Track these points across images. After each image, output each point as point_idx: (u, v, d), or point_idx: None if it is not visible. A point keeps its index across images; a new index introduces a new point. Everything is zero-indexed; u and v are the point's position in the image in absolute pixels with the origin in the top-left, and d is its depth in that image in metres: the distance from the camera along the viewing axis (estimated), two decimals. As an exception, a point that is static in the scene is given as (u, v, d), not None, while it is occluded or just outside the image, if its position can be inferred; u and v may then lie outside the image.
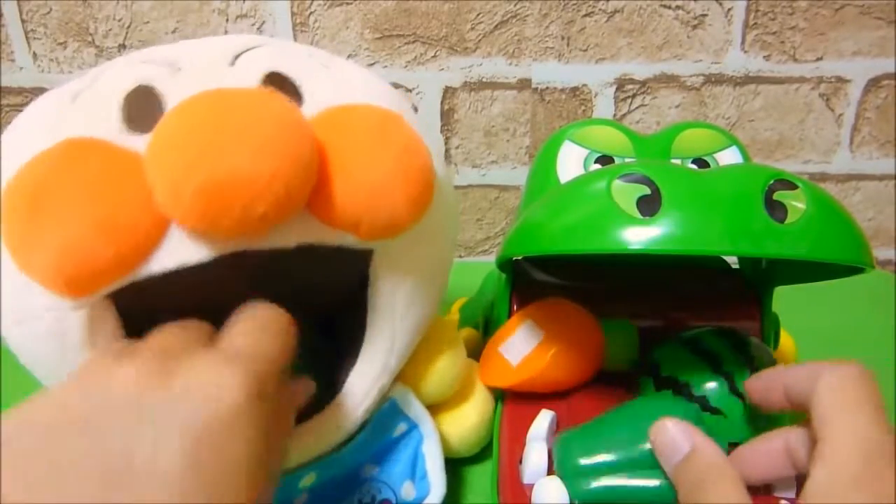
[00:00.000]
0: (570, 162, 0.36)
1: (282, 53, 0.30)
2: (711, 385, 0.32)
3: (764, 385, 0.28)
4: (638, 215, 0.26)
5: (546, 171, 0.37)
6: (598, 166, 0.36)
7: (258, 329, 0.23)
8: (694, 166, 0.34)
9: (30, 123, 0.28)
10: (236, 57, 0.29)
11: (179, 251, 0.25)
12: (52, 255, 0.23)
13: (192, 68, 0.28)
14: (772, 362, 0.32)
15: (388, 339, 0.31)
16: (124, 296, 0.26)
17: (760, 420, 0.31)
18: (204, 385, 0.19)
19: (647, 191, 0.26)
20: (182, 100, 0.25)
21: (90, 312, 0.26)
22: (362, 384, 0.31)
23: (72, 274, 0.24)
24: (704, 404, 0.32)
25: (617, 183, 0.27)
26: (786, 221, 0.25)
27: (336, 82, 0.30)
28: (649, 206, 0.26)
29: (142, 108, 0.27)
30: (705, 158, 0.33)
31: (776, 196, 0.26)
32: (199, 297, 0.30)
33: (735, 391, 0.31)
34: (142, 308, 0.28)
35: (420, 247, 0.30)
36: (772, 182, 0.26)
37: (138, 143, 0.26)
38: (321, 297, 0.33)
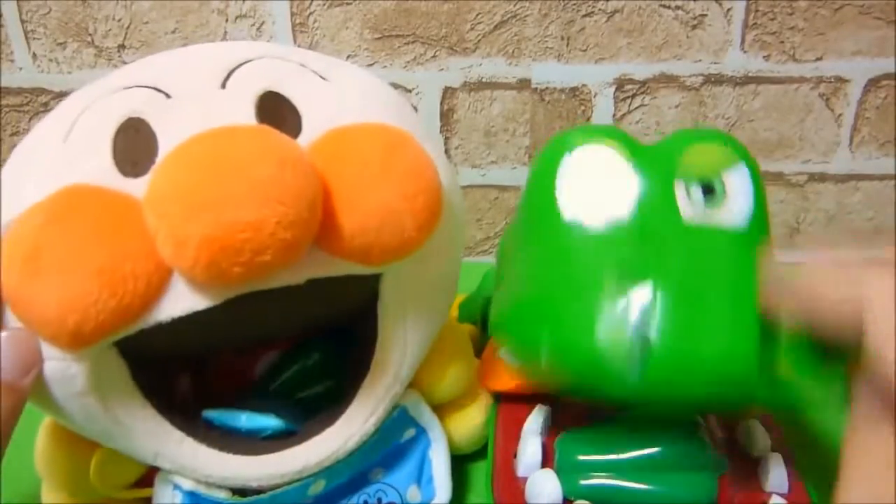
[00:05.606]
0: (572, 193, 0.34)
1: (275, 69, 0.29)
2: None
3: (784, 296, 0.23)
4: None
5: (545, 198, 0.35)
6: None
7: None
8: (699, 192, 0.33)
9: (23, 169, 0.27)
10: (227, 75, 0.28)
11: (186, 298, 0.24)
12: (53, 308, 0.23)
13: (182, 95, 0.27)
14: None
15: (399, 349, 0.31)
16: (131, 340, 0.25)
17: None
18: None
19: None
20: (177, 144, 0.24)
21: (95, 361, 0.25)
22: (374, 395, 0.31)
23: (74, 328, 0.23)
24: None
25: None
26: None
27: (335, 97, 0.29)
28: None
29: (131, 139, 0.26)
30: (713, 181, 0.33)
31: None
32: (209, 331, 0.28)
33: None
34: (150, 349, 0.26)
35: (429, 263, 0.30)
36: None
37: (134, 186, 0.25)
38: (332, 311, 0.32)
